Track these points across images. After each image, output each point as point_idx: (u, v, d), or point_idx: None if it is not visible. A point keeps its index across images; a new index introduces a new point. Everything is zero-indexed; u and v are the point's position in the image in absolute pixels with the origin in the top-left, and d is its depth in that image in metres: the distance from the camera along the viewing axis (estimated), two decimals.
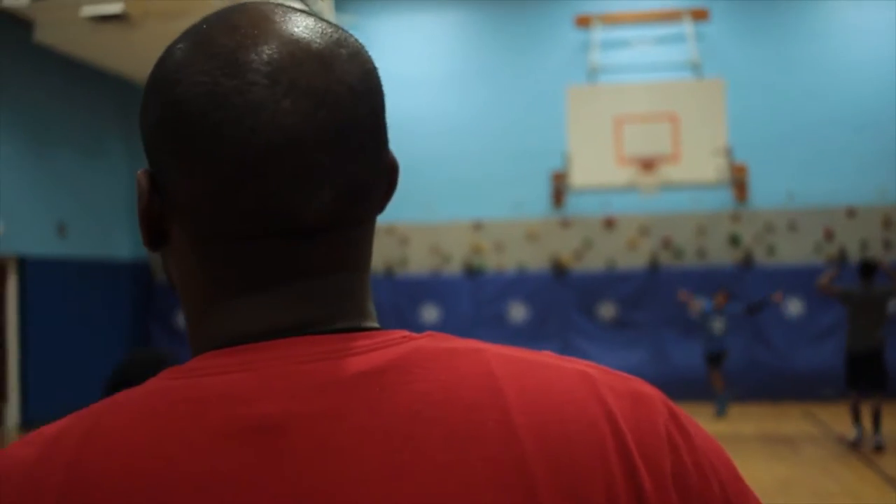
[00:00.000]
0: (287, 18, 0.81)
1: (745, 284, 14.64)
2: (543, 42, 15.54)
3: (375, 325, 0.84)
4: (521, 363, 0.79)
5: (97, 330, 15.42)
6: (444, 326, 15.41)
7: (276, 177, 0.76)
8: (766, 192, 14.79)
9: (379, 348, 0.77)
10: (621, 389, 0.81)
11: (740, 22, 15.07)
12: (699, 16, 14.56)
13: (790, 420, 12.71)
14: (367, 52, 0.84)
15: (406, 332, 0.80)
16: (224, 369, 0.76)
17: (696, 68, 14.09)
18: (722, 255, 15.11)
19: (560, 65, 15.14)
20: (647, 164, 12.95)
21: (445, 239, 15.78)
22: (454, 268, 15.80)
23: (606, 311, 15.15)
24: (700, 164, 12.84)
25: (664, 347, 14.70)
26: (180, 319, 16.37)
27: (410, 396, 0.73)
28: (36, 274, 14.17)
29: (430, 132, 15.76)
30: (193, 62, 0.78)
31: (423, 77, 15.85)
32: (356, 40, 0.84)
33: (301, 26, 0.80)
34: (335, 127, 0.78)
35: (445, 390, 0.74)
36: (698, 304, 13.28)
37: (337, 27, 0.83)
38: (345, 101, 0.78)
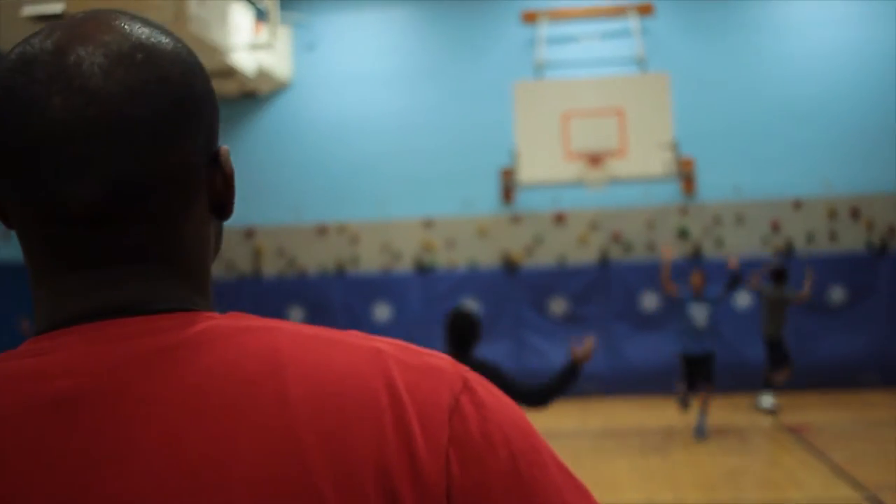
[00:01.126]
0: (105, 26, 0.86)
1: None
2: (490, 38, 15.54)
3: (189, 307, 0.88)
4: (312, 340, 0.85)
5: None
6: (396, 324, 15.38)
7: (45, 168, 0.82)
8: (713, 186, 14.88)
9: (175, 328, 0.83)
10: (413, 363, 0.87)
11: (685, 17, 15.16)
12: (644, 11, 14.63)
13: (739, 411, 12.81)
14: (182, 57, 0.88)
15: (211, 314, 0.86)
16: (38, 352, 0.82)
17: (641, 63, 14.16)
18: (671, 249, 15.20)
19: (507, 61, 15.14)
20: (595, 159, 13.00)
21: (396, 237, 15.75)
22: (405, 265, 15.78)
23: (558, 306, 15.18)
24: (647, 158, 12.91)
25: (615, 342, 14.75)
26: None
27: (195, 371, 0.80)
28: None
29: (378, 130, 15.73)
30: (7, 62, 0.85)
31: (371, 74, 15.80)
32: (171, 45, 0.88)
33: (111, 32, 0.85)
34: (106, 125, 0.82)
35: (228, 364, 0.80)
36: (675, 287, 11.53)
37: (159, 33, 0.88)
38: (120, 101, 0.82)
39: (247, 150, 16.21)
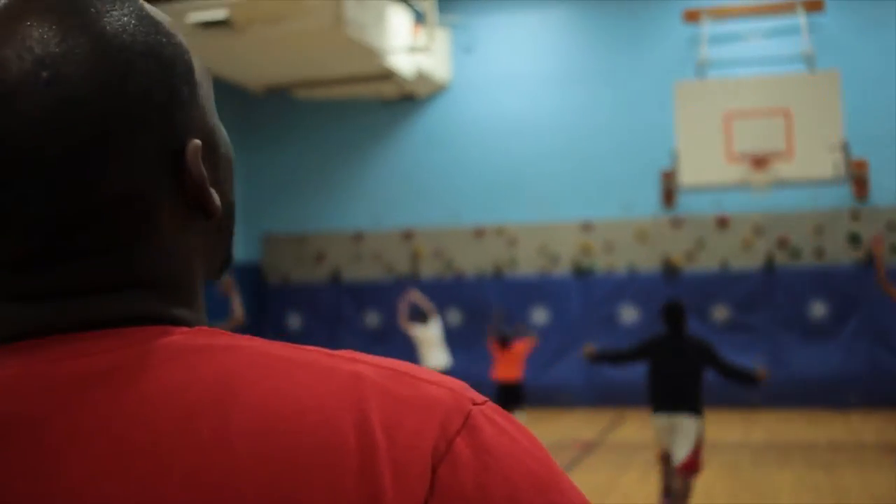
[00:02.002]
0: (11, 32, 0.74)
1: (866, 285, 14.03)
2: (651, 37, 15.20)
3: (156, 322, 0.77)
4: (276, 362, 0.72)
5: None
6: (553, 328, 15.22)
7: None
8: (888, 189, 14.15)
9: (124, 347, 0.72)
10: (401, 394, 0.72)
11: (855, 12, 14.46)
12: (813, 6, 14.00)
13: None
14: (107, 59, 0.74)
15: (174, 329, 0.75)
16: None
17: (809, 61, 13.56)
18: (841, 255, 14.53)
19: (668, 60, 14.77)
20: (759, 162, 12.53)
21: (554, 240, 15.58)
22: (563, 269, 15.58)
23: (720, 313, 14.72)
24: (815, 160, 12.37)
25: (781, 351, 14.20)
26: (293, 321, 16.56)
27: (132, 399, 0.69)
28: None
29: (537, 132, 15.59)
30: None
31: (529, 75, 15.67)
32: (87, 48, 0.73)
33: (13, 44, 0.73)
34: (14, 169, 0.72)
35: (169, 392, 0.69)
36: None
37: (78, 31, 0.74)
38: (24, 139, 0.72)
39: (405, 153, 16.32)
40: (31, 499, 0.67)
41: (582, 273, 15.46)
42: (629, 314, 15.09)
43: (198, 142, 0.78)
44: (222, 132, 0.86)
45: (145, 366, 0.71)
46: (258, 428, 0.67)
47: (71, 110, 0.72)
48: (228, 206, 0.86)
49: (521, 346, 11.77)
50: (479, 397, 0.75)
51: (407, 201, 16.31)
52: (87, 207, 0.73)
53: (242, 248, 16.99)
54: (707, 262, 14.96)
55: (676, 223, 15.03)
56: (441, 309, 15.59)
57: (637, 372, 14.61)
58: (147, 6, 0.80)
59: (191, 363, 0.71)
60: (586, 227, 15.44)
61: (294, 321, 16.69)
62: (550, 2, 15.74)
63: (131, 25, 0.76)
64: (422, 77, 15.17)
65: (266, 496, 0.66)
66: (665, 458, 7.53)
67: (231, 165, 0.88)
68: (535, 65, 15.68)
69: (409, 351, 15.33)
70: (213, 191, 0.79)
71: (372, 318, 16.26)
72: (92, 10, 0.75)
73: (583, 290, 15.38)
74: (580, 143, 15.37)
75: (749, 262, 14.77)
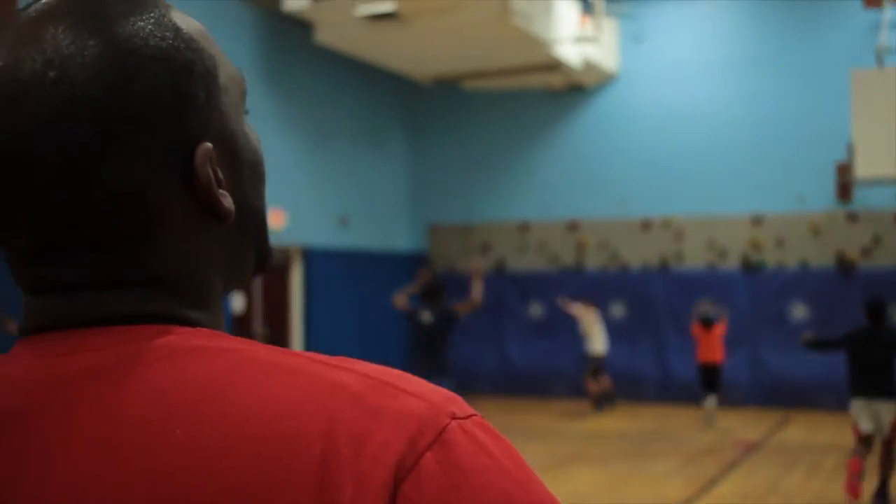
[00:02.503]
0: (27, 33, 0.78)
1: None
2: (828, 24, 14.63)
3: (162, 321, 0.79)
4: (265, 368, 0.73)
5: (376, 317, 15.96)
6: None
7: None
8: None
9: (119, 344, 0.75)
10: (376, 405, 0.70)
11: None
12: None
13: None
14: (115, 60, 0.76)
15: (174, 329, 0.77)
16: (1, 360, 0.79)
17: None
18: None
19: (845, 48, 14.18)
20: None
21: (723, 233, 15.20)
22: (732, 263, 15.19)
23: None
24: None
25: None
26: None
27: (118, 399, 0.71)
28: (318, 264, 14.82)
29: (707, 122, 15.24)
30: None
31: (700, 65, 15.33)
32: (96, 49, 0.76)
33: (28, 44, 0.76)
34: (18, 164, 0.75)
35: (154, 393, 0.71)
36: None
37: (88, 31, 0.76)
38: (27, 136, 0.75)
39: (572, 144, 16.22)
40: (15, 493, 0.70)
41: (751, 268, 15.03)
42: (800, 311, 14.59)
43: (208, 145, 0.79)
44: (249, 139, 0.87)
45: (136, 364, 0.73)
46: (229, 433, 0.68)
47: (75, 109, 0.74)
48: (253, 212, 0.86)
49: (721, 328, 13.03)
50: (464, 411, 0.72)
51: (573, 192, 16.21)
52: (90, 204, 0.76)
53: (409, 238, 17.23)
54: (885, 259, 14.32)
55: (852, 218, 14.44)
56: (605, 301, 15.44)
57: (805, 373, 14.17)
58: (175, 14, 0.83)
59: (179, 364, 0.73)
60: (757, 220, 15.00)
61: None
62: None
63: (146, 30, 0.78)
64: (589, 67, 15.03)
65: (227, 497, 0.66)
66: (863, 439, 8.15)
67: (259, 172, 0.88)
68: (706, 53, 15.31)
69: (574, 342, 15.26)
70: (223, 194, 0.80)
71: (535, 309, 16.24)
72: (109, 15, 0.78)
73: (751, 286, 14.96)
74: (752, 133, 14.94)
75: None
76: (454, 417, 0.71)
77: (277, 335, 14.44)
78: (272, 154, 13.92)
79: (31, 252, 0.78)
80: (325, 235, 15.06)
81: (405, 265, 16.93)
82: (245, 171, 0.85)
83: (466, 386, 15.17)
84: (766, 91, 14.89)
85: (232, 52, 10.76)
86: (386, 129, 16.85)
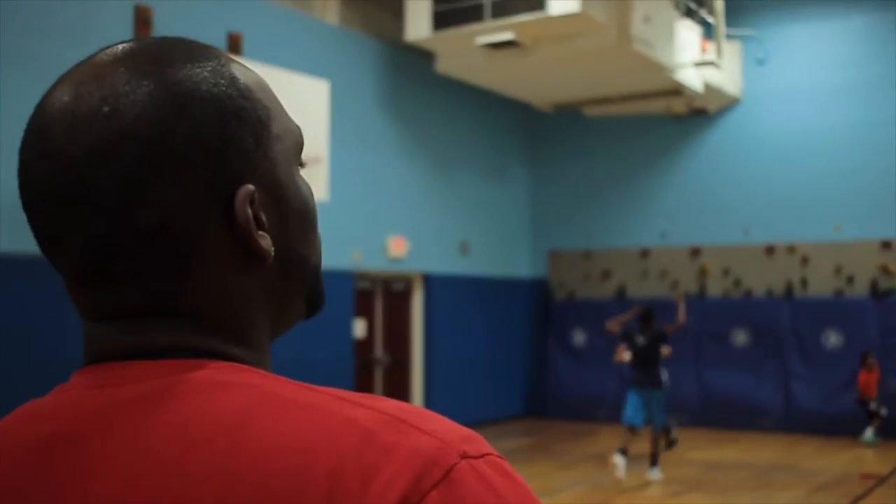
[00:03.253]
0: (93, 69, 0.83)
1: None
2: None
3: (200, 356, 0.82)
4: (283, 403, 0.75)
5: (496, 344, 16.04)
6: (847, 351, 14.50)
7: (35, 231, 0.85)
8: None
9: (156, 378, 0.79)
10: (386, 442, 0.71)
11: None
12: None
13: None
14: (163, 100, 0.81)
15: (205, 362, 0.81)
16: (59, 389, 0.84)
17: None
18: None
19: None
20: None
21: (850, 259, 14.82)
22: (860, 290, 14.80)
23: None
24: None
25: None
26: (577, 336, 16.65)
27: (147, 430, 0.75)
28: (439, 289, 14.98)
29: (832, 145, 14.92)
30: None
31: (825, 87, 15.02)
32: (148, 90, 0.81)
33: (89, 81, 0.82)
34: (68, 192, 0.80)
35: (179, 425, 0.75)
36: None
37: (144, 73, 0.82)
38: (79, 165, 0.80)
39: (695, 168, 16.06)
40: None
41: (881, 294, 14.62)
42: None
43: (250, 187, 0.82)
44: (300, 189, 0.90)
45: (170, 396, 0.77)
46: (239, 467, 0.71)
47: (123, 144, 0.79)
48: (299, 258, 0.89)
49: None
50: (478, 450, 0.73)
51: (695, 217, 16.03)
52: (132, 235, 0.80)
53: (529, 264, 17.27)
54: None
55: None
56: (728, 328, 15.20)
57: None
58: (235, 66, 0.87)
59: (207, 397, 0.76)
60: (886, 245, 14.60)
61: (579, 337, 16.76)
62: (847, 10, 15.00)
63: (200, 76, 0.83)
64: (712, 91, 14.88)
65: None
66: None
67: (309, 222, 0.91)
68: (831, 75, 15.00)
69: (696, 371, 15.05)
70: (262, 235, 0.83)
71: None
72: (168, 60, 0.83)
73: (881, 313, 14.54)
74: (879, 156, 14.56)
75: None
76: (465, 456, 0.71)
77: (399, 361, 14.63)
78: (394, 182, 14.17)
79: (80, 279, 0.83)
80: (447, 262, 15.21)
81: (525, 291, 16.97)
82: (292, 219, 0.88)
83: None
84: (891, 114, 14.51)
85: (356, 83, 11.09)
86: (506, 155, 16.95)
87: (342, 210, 12.89)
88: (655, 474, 10.96)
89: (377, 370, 14.37)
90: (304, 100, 11.19)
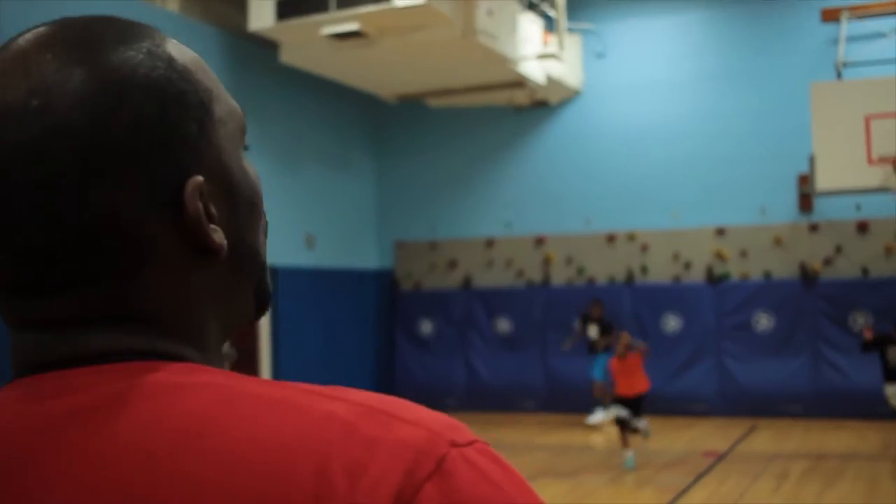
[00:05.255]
0: (17, 58, 0.76)
1: None
2: (788, 39, 14.85)
3: (149, 357, 0.76)
4: (251, 401, 0.70)
5: (344, 335, 15.97)
6: (685, 335, 15.02)
7: None
8: None
9: (106, 384, 0.72)
10: (370, 435, 0.67)
11: None
12: None
13: None
14: (100, 89, 0.74)
15: (159, 364, 0.74)
16: None
17: None
18: None
19: (805, 62, 14.42)
20: None
21: (687, 246, 15.35)
22: (696, 275, 15.35)
23: (860, 320, 14.26)
24: None
25: None
26: (424, 326, 16.72)
27: (102, 441, 0.68)
28: (285, 282, 14.81)
29: (670, 137, 15.41)
30: None
31: (663, 80, 15.50)
32: (82, 78, 0.74)
33: (15, 72, 0.75)
34: None
35: (139, 432, 0.68)
36: None
37: (75, 61, 0.75)
38: (8, 163, 0.73)
39: (537, 160, 16.33)
40: None
41: (715, 280, 15.20)
42: (764, 322, 14.76)
43: (199, 178, 0.77)
44: (247, 175, 0.85)
45: (120, 405, 0.70)
46: (213, 474, 0.65)
47: (56, 138, 0.72)
48: (249, 250, 0.84)
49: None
50: (465, 438, 0.70)
51: (539, 207, 16.31)
52: (71, 237, 0.73)
53: (376, 255, 17.26)
54: (846, 269, 14.53)
55: (814, 228, 14.65)
56: (572, 315, 15.54)
57: (769, 382, 14.33)
58: (171, 45, 0.81)
59: (165, 402, 0.70)
60: (720, 232, 15.17)
61: (426, 327, 16.85)
62: (684, 5, 15.52)
63: (136, 60, 0.76)
64: (553, 83, 15.16)
65: None
66: None
67: (257, 210, 0.86)
68: (669, 69, 15.49)
69: (541, 357, 15.33)
70: (214, 228, 0.79)
71: (503, 324, 16.30)
72: (99, 44, 0.76)
73: (716, 297, 15.11)
74: (714, 147, 15.12)
75: (891, 268, 14.28)
76: (454, 445, 0.68)
77: (245, 355, 14.41)
78: None
79: (13, 287, 0.76)
80: (292, 254, 15.06)
81: (372, 282, 16.96)
82: (241, 208, 0.83)
83: (434, 400, 15.18)
84: (727, 105, 15.09)
85: None
86: (352, 147, 16.89)
87: None
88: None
89: (224, 365, 14.08)
90: None
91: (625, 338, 11.55)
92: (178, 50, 0.81)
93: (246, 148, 0.87)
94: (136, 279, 0.76)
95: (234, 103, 0.86)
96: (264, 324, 14.71)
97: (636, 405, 11.07)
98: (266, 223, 0.89)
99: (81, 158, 0.73)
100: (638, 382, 11.20)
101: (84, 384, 0.72)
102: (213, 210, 0.79)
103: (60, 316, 0.76)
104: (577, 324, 14.83)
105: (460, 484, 0.66)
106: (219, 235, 0.78)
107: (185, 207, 0.76)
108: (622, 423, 10.97)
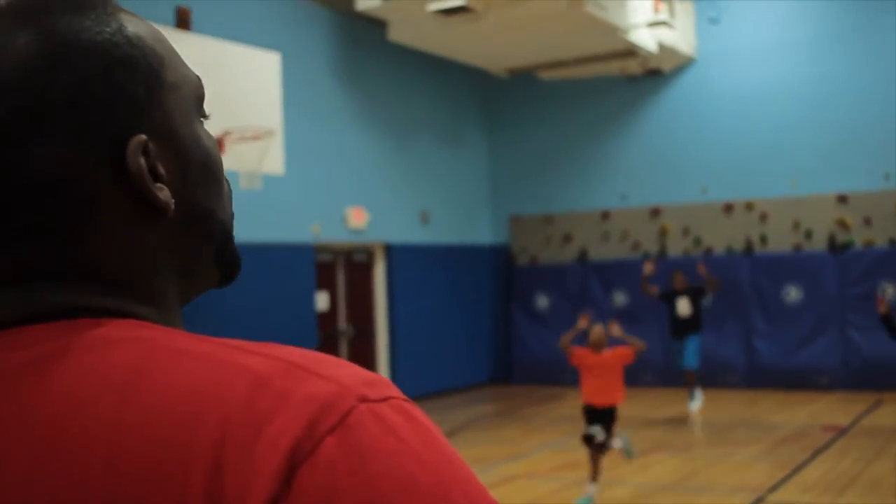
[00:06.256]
0: None
1: None
2: None
3: (96, 315, 0.78)
4: (176, 355, 0.71)
5: (460, 312, 16.04)
6: (807, 306, 14.64)
7: None
8: None
9: (50, 340, 0.74)
10: (282, 388, 0.67)
11: None
12: None
13: None
14: (39, 48, 0.77)
15: (104, 321, 0.76)
16: None
17: None
18: None
19: None
20: None
21: (808, 214, 14.92)
22: (818, 244, 14.92)
23: None
24: None
25: None
26: (540, 301, 16.69)
27: (38, 392, 0.70)
28: (401, 259, 14.95)
29: (788, 102, 14.98)
30: None
31: (779, 43, 15.06)
32: (27, 36, 0.77)
33: None
34: None
35: (63, 387, 0.70)
36: None
37: (16, 17, 0.78)
38: None
39: (651, 129, 16.08)
40: None
41: (838, 248, 14.75)
42: (891, 291, 14.26)
43: (142, 137, 0.79)
44: (200, 140, 0.86)
45: (60, 358, 0.72)
46: (128, 422, 0.67)
47: None
48: (204, 213, 0.86)
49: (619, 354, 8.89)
50: (380, 394, 0.69)
51: (654, 178, 16.07)
52: (14, 191, 0.76)
53: (490, 231, 17.27)
54: None
55: None
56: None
57: (895, 356, 13.85)
58: (124, 15, 0.84)
59: (100, 354, 0.72)
60: (842, 199, 14.70)
61: (542, 302, 16.81)
62: None
63: (82, 24, 0.79)
64: (666, 51, 14.88)
65: (113, 497, 0.65)
66: None
67: (212, 174, 0.87)
68: (785, 31, 15.04)
69: (659, 330, 15.14)
70: (160, 187, 0.80)
71: (619, 298, 16.15)
72: (46, 11, 0.79)
73: (839, 266, 14.67)
74: (835, 111, 14.63)
75: None
76: (363, 400, 0.67)
77: (363, 332, 14.61)
78: (351, 153, 14.08)
79: None
80: (407, 232, 15.18)
81: (487, 258, 16.98)
82: (193, 171, 0.84)
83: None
84: (845, 67, 14.58)
85: (308, 54, 10.94)
86: (463, 122, 16.90)
87: (299, 183, 12.81)
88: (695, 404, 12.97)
89: (341, 342, 14.33)
90: (255, 73, 11.07)
91: (597, 331, 8.79)
92: (131, 20, 0.84)
93: (205, 116, 0.89)
94: (82, 235, 0.78)
95: (190, 72, 0.88)
96: (380, 302, 14.89)
97: (608, 419, 8.46)
98: (230, 191, 0.91)
99: (23, 113, 0.76)
100: (614, 389, 8.60)
101: (29, 340, 0.75)
102: (161, 170, 0.81)
103: (9, 273, 0.78)
104: (661, 298, 13.80)
105: (363, 438, 0.65)
106: (164, 194, 0.80)
107: (128, 164, 0.79)
108: (592, 442, 8.25)
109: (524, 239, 17.17)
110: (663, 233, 15.98)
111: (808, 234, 14.96)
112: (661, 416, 12.88)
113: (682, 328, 13.36)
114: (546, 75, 16.02)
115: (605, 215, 16.46)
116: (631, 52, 14.41)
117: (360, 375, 0.70)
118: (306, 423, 0.65)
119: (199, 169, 0.85)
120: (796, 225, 15.04)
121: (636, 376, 15.29)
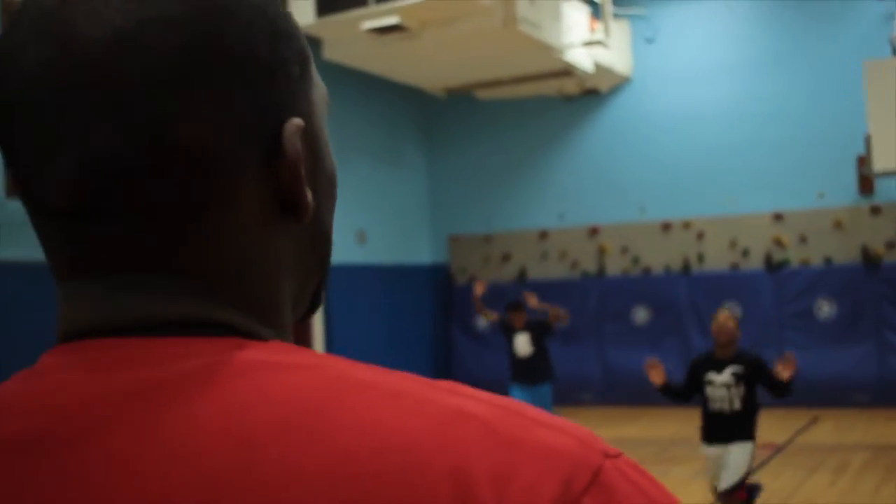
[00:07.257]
0: None
1: None
2: (840, 17, 14.40)
3: (222, 333, 0.65)
4: (362, 389, 0.59)
5: (399, 332, 15.91)
6: (745, 324, 14.58)
7: (19, 140, 0.64)
8: None
9: (186, 357, 0.61)
10: (514, 438, 0.58)
11: None
12: None
13: None
14: (214, 5, 0.64)
15: (247, 343, 0.63)
16: (29, 375, 0.65)
17: None
18: None
19: (859, 41, 13.95)
20: None
21: (744, 232, 15.00)
22: (755, 263, 14.99)
23: None
24: None
25: None
26: (480, 321, 16.61)
27: (184, 421, 0.58)
28: (338, 280, 14.78)
29: (723, 122, 15.07)
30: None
31: (714, 64, 15.16)
32: None
33: None
34: (82, 85, 0.62)
35: (229, 415, 0.57)
36: None
37: None
38: (103, 51, 0.62)
39: (589, 149, 16.10)
40: None
41: (774, 267, 14.83)
42: (825, 309, 14.36)
43: (300, 121, 0.67)
44: (329, 148, 0.75)
45: (206, 381, 0.60)
46: (329, 469, 0.56)
47: (164, 31, 0.63)
48: (326, 231, 0.75)
49: None
50: (612, 449, 0.62)
51: (592, 198, 16.07)
52: (151, 151, 0.63)
53: (429, 250, 17.17)
54: None
55: (876, 211, 14.20)
56: (628, 305, 15.28)
57: (833, 370, 13.92)
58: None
59: (259, 383, 0.59)
60: (778, 218, 14.80)
61: (482, 321, 16.71)
62: None
63: None
64: (602, 71, 14.91)
65: None
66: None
67: (334, 192, 0.77)
68: (719, 52, 15.14)
69: (598, 349, 15.11)
70: (308, 189, 0.68)
71: None
72: None
73: (776, 285, 14.75)
74: (769, 131, 14.74)
75: None
76: (607, 456, 0.61)
77: None
78: None
79: (68, 205, 0.64)
80: (345, 251, 15.02)
81: (426, 277, 16.87)
82: (324, 182, 0.73)
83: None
84: (780, 88, 14.71)
85: None
86: (401, 142, 16.81)
87: None
88: None
89: None
90: None
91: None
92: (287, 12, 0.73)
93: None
94: (209, 221, 0.65)
95: (319, 78, 0.77)
96: (317, 323, 14.70)
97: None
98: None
99: (189, 58, 0.63)
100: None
101: (157, 357, 0.62)
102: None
103: (114, 255, 0.65)
104: (501, 329, 11.87)
105: (615, 497, 0.59)
106: (309, 195, 0.68)
107: (284, 149, 0.66)
108: None
109: (463, 258, 17.08)
110: (602, 252, 15.97)
111: (745, 253, 15.04)
112: (604, 435, 12.76)
113: (524, 371, 10.90)
114: (483, 95, 15.98)
115: (544, 235, 16.42)
116: (567, 71, 14.41)
117: (580, 427, 0.63)
118: (561, 481, 0.57)
119: (328, 182, 0.75)
120: (733, 244, 15.11)
121: (574, 395, 15.24)
